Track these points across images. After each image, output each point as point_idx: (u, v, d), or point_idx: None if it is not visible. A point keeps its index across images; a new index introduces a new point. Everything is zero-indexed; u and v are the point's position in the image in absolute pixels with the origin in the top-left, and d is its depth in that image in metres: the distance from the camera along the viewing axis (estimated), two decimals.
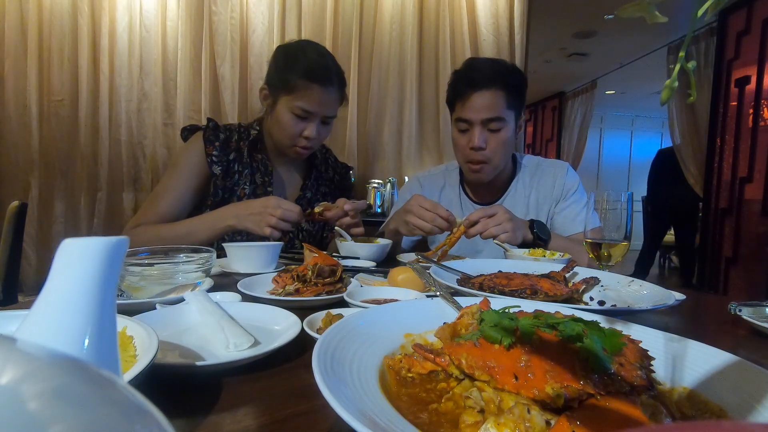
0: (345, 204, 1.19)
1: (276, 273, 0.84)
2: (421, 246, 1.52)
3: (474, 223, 1.12)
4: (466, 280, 0.80)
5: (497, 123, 1.30)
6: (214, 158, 1.29)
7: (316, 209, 1.18)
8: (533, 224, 1.21)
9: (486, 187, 1.47)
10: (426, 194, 1.51)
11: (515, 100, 1.33)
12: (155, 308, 0.62)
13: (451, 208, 1.46)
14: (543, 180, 1.47)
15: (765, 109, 3.38)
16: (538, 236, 1.20)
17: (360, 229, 1.24)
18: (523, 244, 1.20)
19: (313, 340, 0.49)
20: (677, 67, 0.35)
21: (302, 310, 0.60)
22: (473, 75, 1.32)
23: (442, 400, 0.36)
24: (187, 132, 1.37)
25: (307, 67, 1.23)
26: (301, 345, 0.51)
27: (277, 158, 1.41)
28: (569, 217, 1.40)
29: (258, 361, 0.47)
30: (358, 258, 1.14)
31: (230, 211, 1.16)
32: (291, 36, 2.78)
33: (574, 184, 1.44)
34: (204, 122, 1.38)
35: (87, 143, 2.76)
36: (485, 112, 1.30)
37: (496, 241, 1.24)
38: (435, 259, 1.02)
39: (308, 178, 1.47)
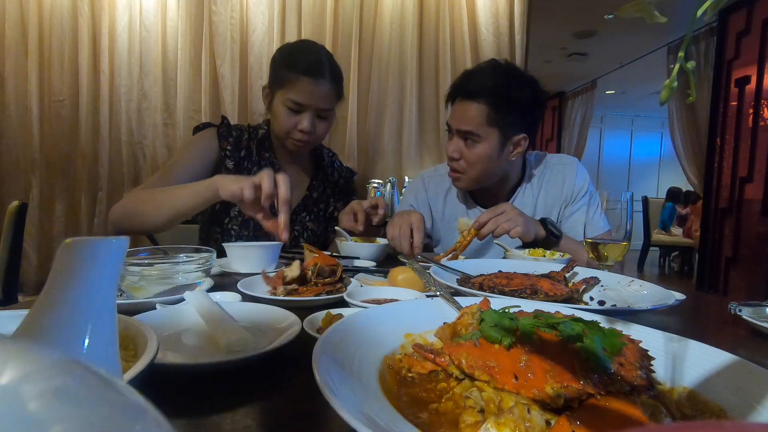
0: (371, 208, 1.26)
1: (275, 273, 0.84)
2: (425, 247, 1.52)
3: (484, 224, 1.10)
4: (466, 280, 0.80)
5: (471, 137, 1.26)
6: (227, 153, 1.32)
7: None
8: (545, 221, 1.20)
9: (492, 193, 1.43)
10: (431, 196, 1.51)
11: (502, 119, 1.23)
12: (155, 308, 0.62)
13: (457, 212, 1.45)
14: (551, 179, 1.41)
15: (765, 109, 3.38)
16: (551, 232, 1.18)
17: (380, 216, 1.28)
18: (536, 243, 1.18)
19: (313, 340, 0.49)
20: (677, 66, 0.35)
21: (302, 310, 0.60)
22: (462, 82, 1.28)
23: (442, 400, 0.36)
24: (199, 130, 1.40)
25: (299, 62, 1.26)
26: (301, 345, 0.51)
27: (284, 157, 1.43)
28: (580, 221, 1.35)
29: (258, 361, 0.47)
30: (358, 258, 1.14)
31: (216, 176, 1.11)
32: (291, 36, 2.78)
33: (584, 185, 1.39)
34: (204, 122, 1.40)
35: (87, 143, 2.76)
36: (460, 123, 1.26)
37: (496, 241, 1.24)
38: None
39: (315, 178, 1.49)
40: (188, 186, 1.12)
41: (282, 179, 0.96)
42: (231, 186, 0.99)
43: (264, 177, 0.95)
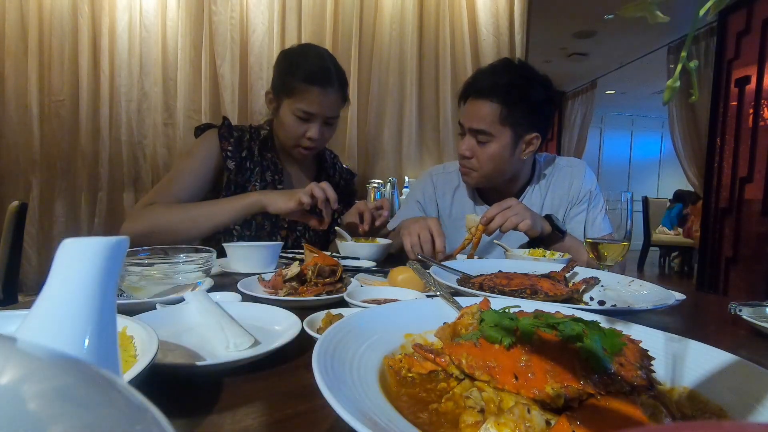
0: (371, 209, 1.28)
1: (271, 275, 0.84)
2: None
3: (491, 219, 1.10)
4: (466, 280, 0.80)
5: (484, 136, 1.25)
6: (228, 153, 1.32)
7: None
8: (549, 217, 1.21)
9: (501, 192, 1.41)
10: (439, 193, 1.51)
11: (515, 117, 1.23)
12: (155, 308, 0.62)
13: (465, 210, 1.45)
14: (559, 181, 1.41)
15: (765, 109, 3.37)
16: (557, 228, 1.19)
17: (384, 217, 1.29)
18: (541, 239, 1.18)
19: (313, 340, 0.49)
20: (679, 66, 0.35)
21: (302, 310, 0.60)
22: (474, 81, 1.29)
23: (442, 400, 0.36)
24: (201, 131, 1.40)
25: (306, 70, 1.26)
26: (301, 345, 0.51)
27: (286, 157, 1.44)
28: (582, 223, 1.36)
29: (258, 361, 0.47)
30: (358, 258, 1.14)
31: (256, 192, 1.23)
32: (291, 36, 2.78)
33: (591, 187, 1.39)
34: (204, 122, 1.41)
35: (87, 143, 2.76)
36: (473, 122, 1.26)
37: (496, 241, 1.24)
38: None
39: (318, 179, 1.50)
40: (226, 203, 1.21)
41: (326, 185, 1.16)
42: (281, 203, 1.14)
43: (314, 186, 1.14)
